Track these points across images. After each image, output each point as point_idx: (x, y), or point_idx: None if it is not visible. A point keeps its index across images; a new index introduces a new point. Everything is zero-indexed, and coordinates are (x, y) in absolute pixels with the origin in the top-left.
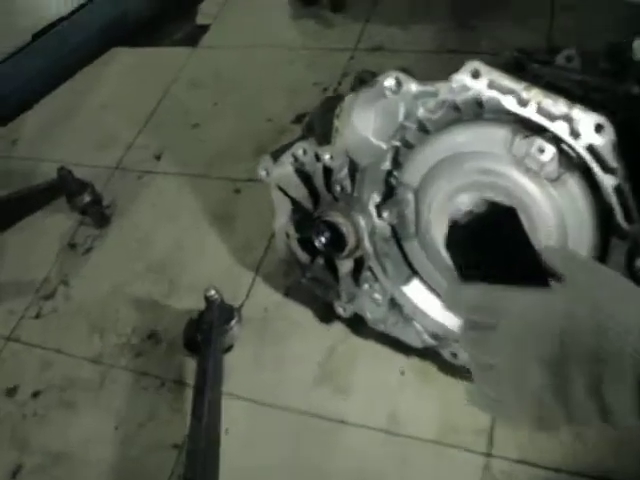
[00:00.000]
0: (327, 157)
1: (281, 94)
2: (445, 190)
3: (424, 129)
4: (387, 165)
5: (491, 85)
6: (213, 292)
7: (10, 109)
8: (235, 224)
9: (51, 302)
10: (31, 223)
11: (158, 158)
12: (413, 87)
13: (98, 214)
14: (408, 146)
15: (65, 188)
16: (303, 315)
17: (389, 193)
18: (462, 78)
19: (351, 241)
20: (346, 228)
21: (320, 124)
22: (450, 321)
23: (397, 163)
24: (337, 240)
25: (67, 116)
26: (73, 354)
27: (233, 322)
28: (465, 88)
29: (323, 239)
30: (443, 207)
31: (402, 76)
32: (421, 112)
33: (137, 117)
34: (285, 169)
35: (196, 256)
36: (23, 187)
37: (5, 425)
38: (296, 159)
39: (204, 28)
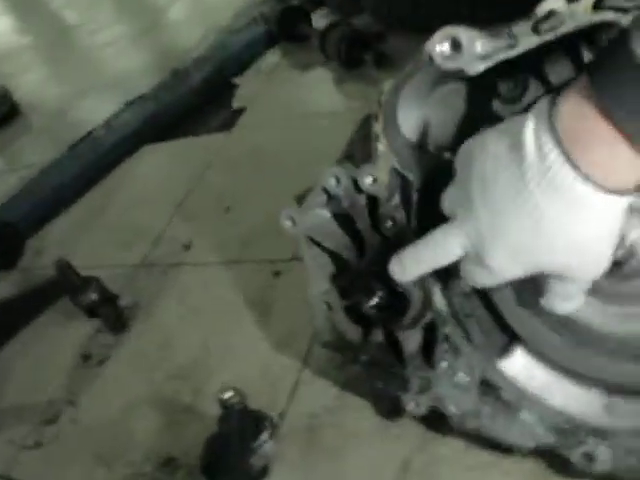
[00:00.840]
0: (368, 181)
1: (326, 160)
2: None
3: None
4: None
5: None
6: (230, 394)
7: (37, 221)
8: (274, 312)
9: (54, 427)
10: (42, 333)
11: (187, 248)
12: (479, 46)
13: (112, 317)
14: None
15: (65, 284)
16: (364, 420)
17: None
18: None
19: (415, 300)
20: None
21: (362, 149)
22: (581, 405)
23: None
24: (395, 301)
25: (92, 219)
26: None
27: (264, 435)
28: (556, 23)
29: (375, 300)
30: None
31: (460, 32)
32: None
33: (165, 209)
34: (315, 213)
35: (226, 356)
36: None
37: None
38: (329, 195)
39: (241, 111)
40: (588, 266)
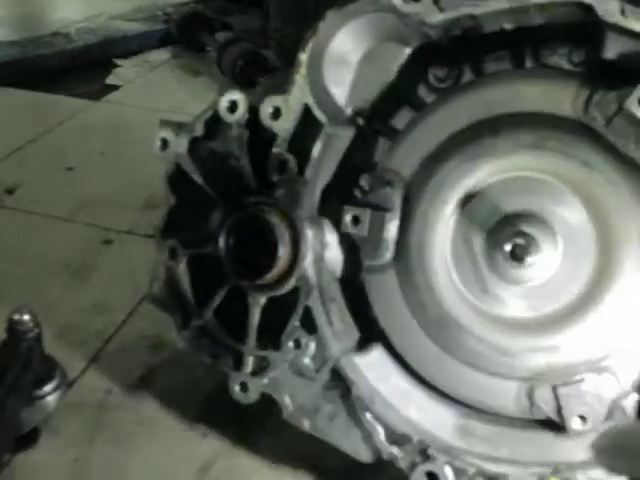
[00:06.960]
0: (269, 110)
1: None
2: (466, 175)
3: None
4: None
5: None
6: (26, 318)
7: None
8: (93, 278)
9: None
10: None
11: (10, 192)
12: None
13: None
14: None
15: None
16: (168, 409)
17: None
18: None
19: (283, 257)
20: (280, 233)
21: (268, 84)
22: (434, 420)
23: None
24: (260, 254)
25: None
26: None
27: (49, 386)
28: None
29: (232, 243)
30: (455, 205)
31: None
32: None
33: None
34: (195, 141)
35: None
36: None
37: None
38: (216, 124)
39: (113, 87)
40: None
